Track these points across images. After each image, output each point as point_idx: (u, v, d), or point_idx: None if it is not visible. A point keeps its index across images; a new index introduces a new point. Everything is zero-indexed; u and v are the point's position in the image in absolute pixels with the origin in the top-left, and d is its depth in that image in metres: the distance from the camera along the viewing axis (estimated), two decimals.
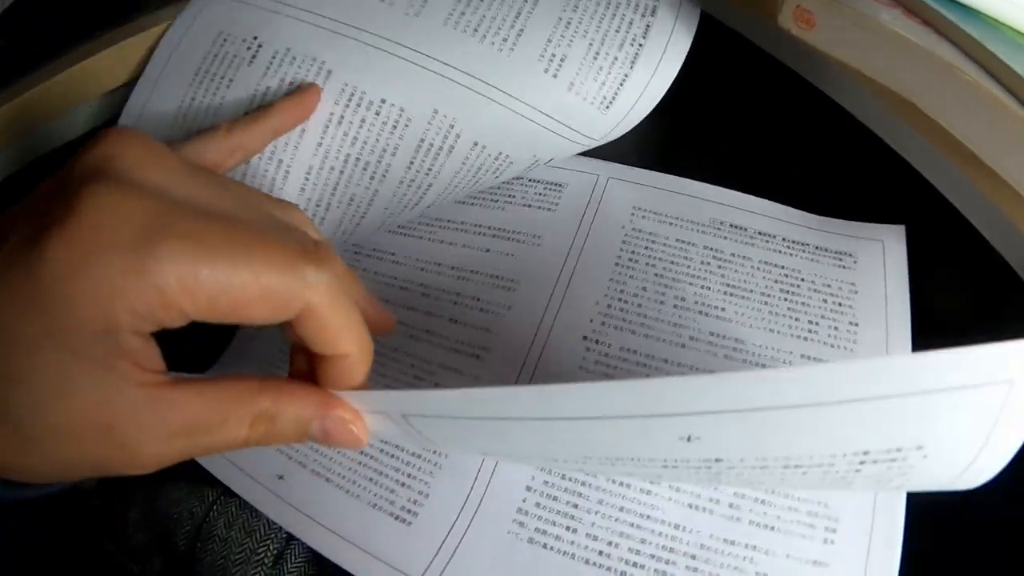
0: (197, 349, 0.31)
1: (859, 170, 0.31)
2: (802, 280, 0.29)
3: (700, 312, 0.28)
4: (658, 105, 0.29)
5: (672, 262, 0.29)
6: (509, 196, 0.33)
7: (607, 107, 0.29)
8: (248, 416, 0.16)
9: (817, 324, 0.28)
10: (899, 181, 0.30)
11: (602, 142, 0.31)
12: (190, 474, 0.27)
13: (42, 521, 0.27)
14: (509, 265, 0.30)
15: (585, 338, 0.28)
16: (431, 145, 0.28)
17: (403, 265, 0.31)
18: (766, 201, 0.30)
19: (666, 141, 0.34)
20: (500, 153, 0.29)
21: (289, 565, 0.26)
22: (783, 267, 0.29)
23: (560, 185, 0.32)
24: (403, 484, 0.27)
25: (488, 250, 0.31)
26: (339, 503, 0.26)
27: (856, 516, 0.24)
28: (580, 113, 0.29)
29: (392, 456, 0.27)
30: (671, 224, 0.30)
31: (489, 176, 0.30)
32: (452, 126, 0.28)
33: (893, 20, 0.24)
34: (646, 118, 0.30)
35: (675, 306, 0.28)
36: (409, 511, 0.26)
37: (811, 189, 0.31)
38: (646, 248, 0.30)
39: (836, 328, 0.28)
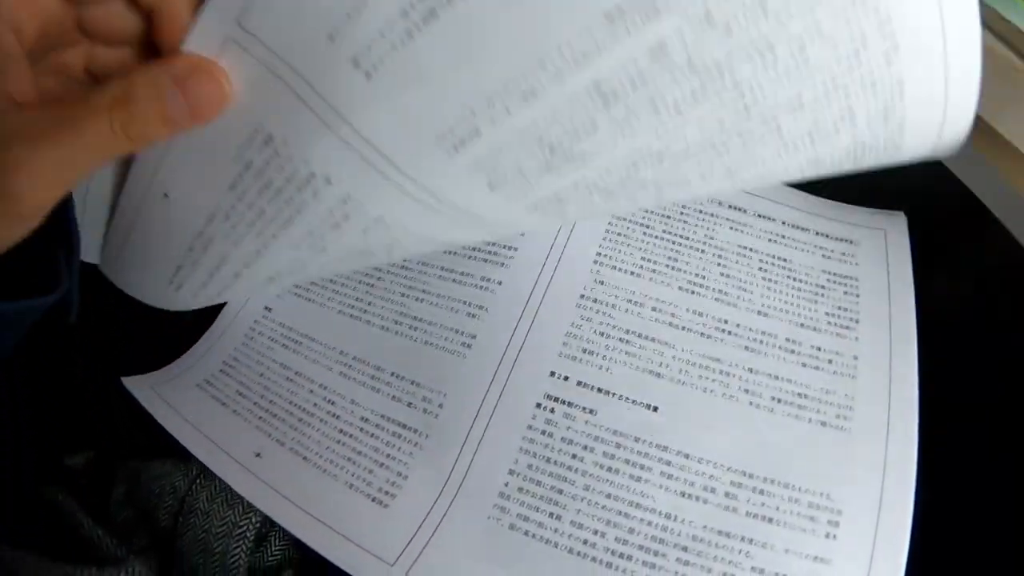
0: (163, 344, 0.30)
1: None
2: (802, 269, 0.28)
3: (692, 292, 0.27)
4: None
5: (670, 243, 0.28)
6: None
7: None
8: (104, 105, 0.16)
9: (816, 308, 0.27)
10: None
11: None
12: (175, 450, 0.26)
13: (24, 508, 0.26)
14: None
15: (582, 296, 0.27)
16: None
17: None
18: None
19: None
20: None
21: (273, 548, 0.25)
22: (784, 258, 0.28)
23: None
24: (382, 464, 0.25)
25: None
26: (316, 483, 0.25)
27: (861, 510, 0.23)
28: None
29: (372, 436, 0.26)
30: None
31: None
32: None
33: None
34: None
35: (680, 287, 0.27)
36: (387, 492, 0.25)
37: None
38: (643, 224, 0.29)
39: (839, 312, 0.27)
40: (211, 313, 0.31)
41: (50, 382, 0.30)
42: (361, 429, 0.26)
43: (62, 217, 0.21)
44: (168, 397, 0.27)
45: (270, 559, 0.25)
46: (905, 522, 0.23)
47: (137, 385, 0.27)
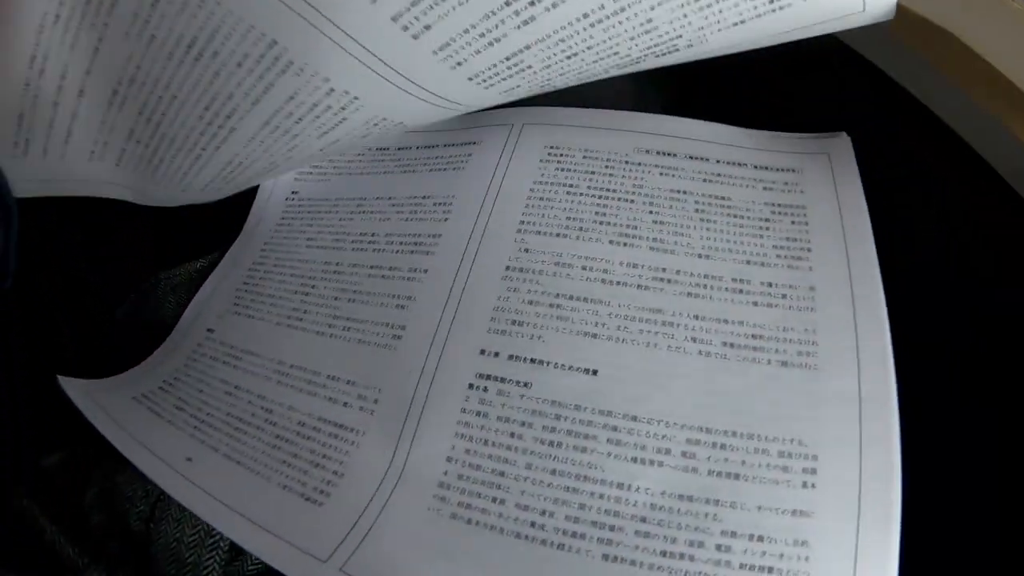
0: (126, 348, 0.31)
1: (789, 79, 0.28)
2: (743, 205, 0.26)
3: (624, 245, 0.25)
4: None
5: (596, 199, 0.27)
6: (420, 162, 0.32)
7: (487, 89, 0.25)
8: None
9: (762, 243, 0.24)
10: (838, 89, 0.27)
11: (474, 107, 0.27)
12: None
13: None
14: (423, 230, 0.28)
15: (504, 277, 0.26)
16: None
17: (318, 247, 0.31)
18: (695, 121, 0.28)
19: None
20: (400, 123, 0.27)
21: (251, 559, 0.24)
22: (722, 196, 0.26)
23: (473, 143, 0.31)
24: (317, 465, 0.24)
25: (401, 218, 0.29)
26: (249, 486, 0.24)
27: (840, 452, 0.20)
28: (463, 92, 0.25)
29: (308, 439, 0.25)
30: (591, 159, 0.28)
31: (379, 138, 0.28)
32: (347, 91, 0.24)
33: None
34: None
35: (610, 241, 0.26)
36: (321, 491, 0.23)
37: (741, 105, 0.28)
38: (566, 184, 0.27)
39: (787, 244, 0.24)
40: (157, 335, 0.32)
41: (23, 376, 0.30)
42: (298, 433, 0.25)
43: None
44: (102, 402, 0.27)
45: (249, 570, 0.24)
46: (892, 457, 0.20)
47: (72, 387, 0.27)
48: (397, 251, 0.28)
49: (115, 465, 0.26)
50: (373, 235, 0.29)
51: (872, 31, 0.23)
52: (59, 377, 0.28)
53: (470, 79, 0.24)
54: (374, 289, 0.27)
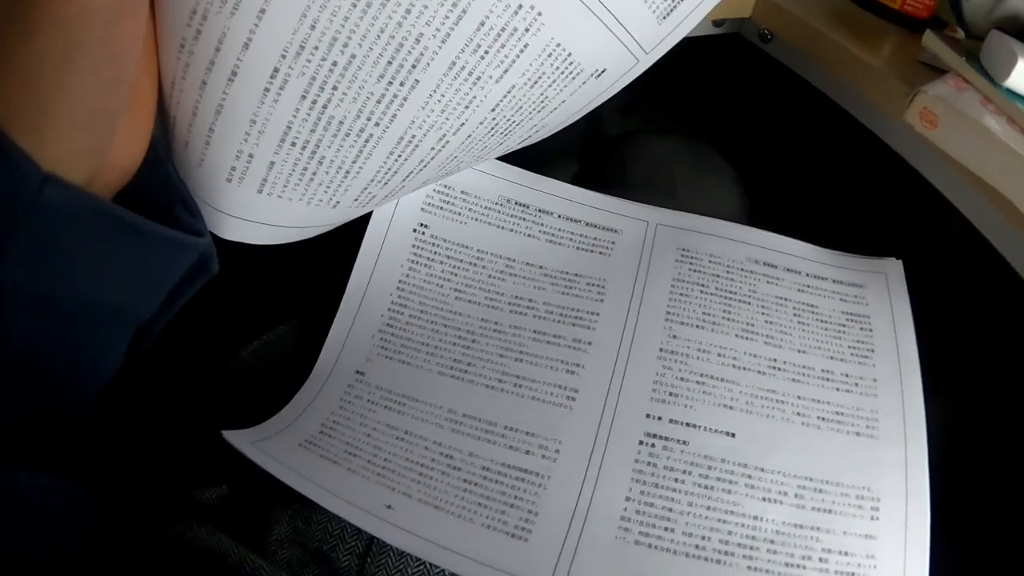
0: (270, 392, 0.35)
1: (864, 201, 0.42)
2: (827, 312, 0.38)
3: (746, 338, 0.36)
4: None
5: (723, 299, 0.37)
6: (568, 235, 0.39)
7: (664, 17, 0.29)
8: None
9: (841, 343, 0.37)
10: (892, 218, 0.40)
11: (644, 63, 0.31)
12: None
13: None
14: (581, 306, 0.37)
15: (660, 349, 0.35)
16: (496, 27, 0.25)
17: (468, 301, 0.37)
18: (789, 239, 0.40)
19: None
20: (569, 56, 0.28)
21: None
22: (812, 304, 0.38)
23: (615, 231, 0.39)
24: (512, 505, 0.32)
25: (557, 291, 0.37)
26: (455, 527, 0.31)
27: (893, 498, 0.33)
28: (642, 19, 0.28)
29: (497, 482, 0.33)
30: (716, 264, 0.38)
31: (546, 96, 0.29)
32: (533, 6, 0.25)
33: (1000, 128, 0.33)
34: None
35: (736, 335, 0.36)
36: (523, 528, 0.32)
37: (824, 223, 0.41)
38: (699, 284, 0.38)
39: (858, 345, 0.37)
40: (300, 375, 0.36)
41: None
42: (484, 477, 0.33)
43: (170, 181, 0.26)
44: (271, 452, 0.31)
45: None
46: (925, 502, 0.33)
47: (235, 438, 0.30)
48: (558, 321, 0.37)
49: (302, 507, 0.31)
50: (531, 301, 0.37)
51: (941, 162, 0.35)
52: (224, 432, 0.31)
53: (668, 33, 0.29)
54: (541, 352, 0.36)
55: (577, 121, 0.35)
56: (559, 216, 0.40)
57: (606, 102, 0.34)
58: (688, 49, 0.33)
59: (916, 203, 0.41)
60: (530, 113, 0.31)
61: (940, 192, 0.40)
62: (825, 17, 0.47)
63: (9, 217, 0.21)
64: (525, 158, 0.38)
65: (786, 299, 0.38)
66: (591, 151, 0.48)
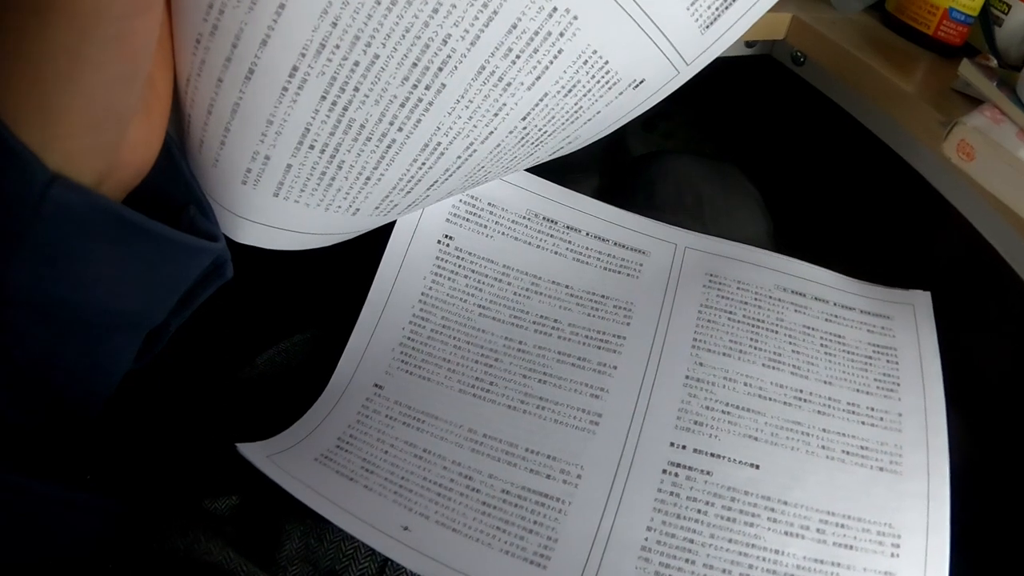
0: (285, 402, 0.34)
1: (884, 234, 0.41)
2: (854, 343, 0.37)
3: (773, 368, 0.36)
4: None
5: (750, 327, 0.37)
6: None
7: (707, 26, 0.28)
8: None
9: (867, 375, 0.36)
10: (920, 247, 0.40)
11: (684, 75, 0.30)
12: None
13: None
14: (607, 328, 0.37)
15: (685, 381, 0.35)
16: (530, 31, 0.24)
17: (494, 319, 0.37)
18: (817, 267, 0.39)
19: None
20: (606, 64, 0.27)
21: None
22: (839, 335, 0.37)
23: (643, 252, 0.39)
24: (531, 531, 0.32)
25: (583, 312, 0.37)
26: (472, 551, 0.31)
27: (914, 535, 0.33)
28: (683, 28, 0.27)
29: (516, 506, 0.33)
30: (744, 291, 0.38)
31: (580, 106, 0.29)
32: (568, 9, 0.24)
33: None
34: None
35: (763, 364, 0.36)
36: (542, 555, 0.32)
37: (852, 252, 0.40)
38: (727, 311, 0.37)
39: (884, 378, 0.37)
40: (316, 386, 0.35)
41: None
42: (504, 500, 0.33)
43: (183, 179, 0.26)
44: (285, 466, 0.31)
45: None
46: (945, 541, 0.33)
47: (252, 453, 0.30)
48: (584, 343, 0.36)
49: (315, 523, 0.30)
50: (556, 322, 0.37)
51: (972, 192, 0.35)
52: (238, 445, 0.30)
53: (710, 44, 0.28)
54: (566, 375, 0.35)
55: None
56: (587, 234, 0.40)
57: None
58: (718, 68, 0.33)
59: (945, 233, 0.41)
60: (563, 123, 0.30)
61: (970, 222, 0.40)
62: (859, 41, 0.46)
63: (15, 219, 0.20)
64: (545, 168, 0.37)
65: (813, 328, 0.37)
66: (617, 167, 0.47)
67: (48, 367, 0.24)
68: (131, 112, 0.22)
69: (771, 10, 0.31)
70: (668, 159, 0.44)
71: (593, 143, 0.35)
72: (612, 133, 0.35)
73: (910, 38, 0.49)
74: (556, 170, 0.39)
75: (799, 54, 0.48)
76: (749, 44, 0.49)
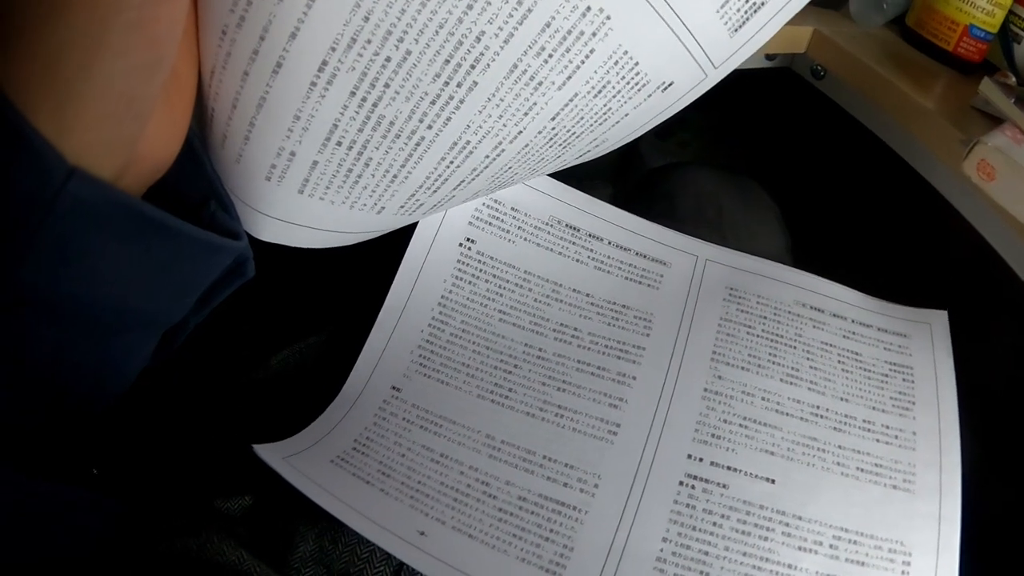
0: (301, 403, 0.34)
1: (901, 250, 0.41)
2: (870, 361, 0.38)
3: (791, 383, 0.36)
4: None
5: (768, 341, 0.37)
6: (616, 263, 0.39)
7: (736, 30, 0.28)
8: None
9: (883, 393, 0.37)
10: (937, 265, 0.40)
11: (712, 78, 0.30)
12: None
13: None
14: (627, 339, 0.37)
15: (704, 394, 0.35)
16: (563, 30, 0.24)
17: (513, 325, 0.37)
18: (837, 284, 0.39)
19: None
20: (636, 66, 0.27)
21: None
22: (856, 352, 0.37)
23: (664, 263, 0.39)
24: (547, 539, 0.32)
25: (603, 322, 0.37)
26: (488, 558, 0.31)
27: (924, 554, 0.33)
28: (713, 31, 0.27)
29: (533, 513, 0.33)
30: (763, 305, 0.38)
31: (609, 108, 0.28)
32: (602, 9, 0.24)
33: None
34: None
35: (780, 379, 0.36)
36: (557, 564, 0.32)
37: (871, 269, 0.41)
38: (746, 325, 0.38)
39: (899, 396, 0.37)
40: (332, 388, 0.35)
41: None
42: (520, 507, 0.33)
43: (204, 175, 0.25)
44: (301, 468, 0.31)
45: None
46: (954, 561, 0.33)
47: (268, 454, 0.30)
48: (603, 353, 0.36)
49: (330, 526, 0.30)
50: (576, 330, 0.37)
51: (990, 210, 0.35)
52: (255, 446, 0.30)
53: (739, 48, 0.28)
54: (585, 384, 0.36)
55: None
56: (609, 243, 0.40)
57: None
58: (736, 80, 0.32)
59: (962, 251, 0.41)
60: (591, 125, 0.29)
61: (987, 241, 0.40)
62: (880, 56, 0.46)
63: (30, 214, 0.19)
64: (559, 174, 0.37)
65: (831, 345, 0.38)
66: (632, 176, 0.47)
67: (55, 367, 0.23)
68: (153, 104, 0.21)
69: (792, 23, 0.30)
70: (689, 171, 0.44)
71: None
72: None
73: (930, 54, 0.49)
74: (569, 176, 0.39)
75: (819, 68, 0.48)
76: (769, 57, 0.49)
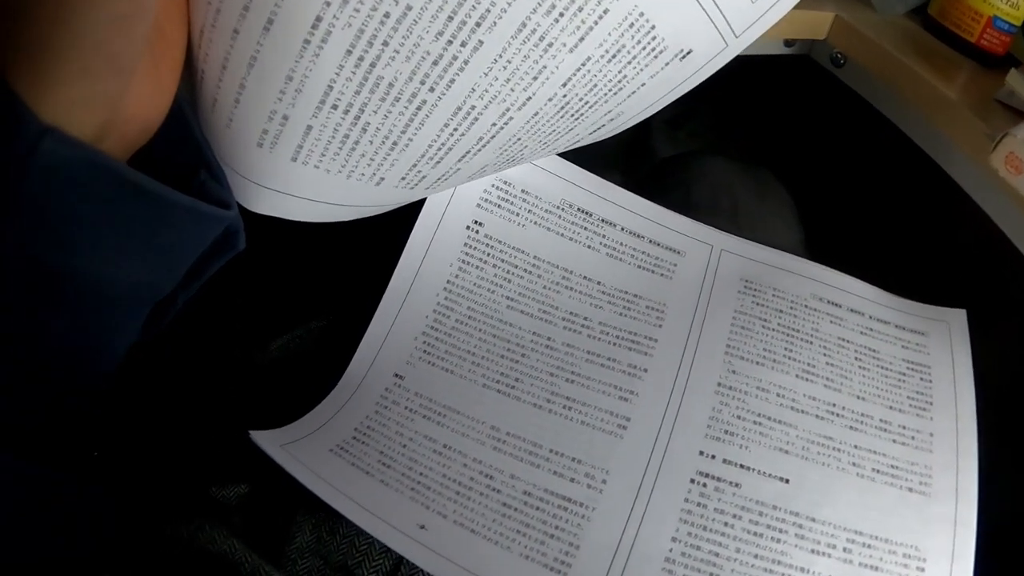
0: (303, 389, 0.33)
1: (919, 245, 0.40)
2: (888, 359, 0.36)
3: (807, 380, 0.35)
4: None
5: (784, 336, 0.36)
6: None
7: None
8: None
9: (900, 392, 0.35)
10: (956, 260, 0.38)
11: (733, 48, 0.29)
12: None
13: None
14: (638, 329, 0.35)
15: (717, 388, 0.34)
16: None
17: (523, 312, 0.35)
18: (854, 279, 0.38)
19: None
20: (653, 29, 0.25)
21: None
22: (873, 349, 0.36)
23: (678, 252, 0.37)
24: (552, 536, 0.31)
25: (615, 312, 0.36)
26: (491, 554, 0.30)
27: (939, 559, 0.32)
28: None
29: (538, 509, 0.32)
30: (779, 299, 0.36)
31: (624, 75, 0.27)
32: None
33: None
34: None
35: (796, 375, 0.35)
36: (562, 562, 0.30)
37: (889, 264, 0.39)
38: (761, 318, 0.36)
39: (917, 396, 0.35)
40: (333, 374, 0.34)
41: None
42: (525, 502, 0.32)
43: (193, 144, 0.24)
44: (300, 456, 0.29)
45: None
46: (969, 569, 0.32)
47: (266, 441, 0.29)
48: (614, 343, 0.35)
49: (328, 516, 0.29)
50: (586, 319, 0.35)
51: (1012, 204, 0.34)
52: (251, 432, 0.29)
53: (760, 16, 0.26)
54: (594, 375, 0.34)
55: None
56: (622, 229, 0.38)
57: (653, 113, 0.31)
58: (752, 67, 0.31)
59: (982, 247, 0.39)
60: (605, 94, 0.27)
61: (1007, 237, 0.38)
62: (902, 45, 0.44)
63: (2, 175, 0.18)
64: (568, 158, 0.35)
65: (848, 341, 0.36)
66: (642, 163, 0.46)
67: (40, 341, 0.21)
68: (134, 60, 0.19)
69: (813, 8, 0.29)
70: (705, 160, 0.42)
71: (617, 135, 0.33)
72: (633, 129, 0.33)
73: (952, 44, 0.47)
74: (579, 161, 0.37)
75: (839, 55, 0.46)
76: (788, 43, 0.47)
